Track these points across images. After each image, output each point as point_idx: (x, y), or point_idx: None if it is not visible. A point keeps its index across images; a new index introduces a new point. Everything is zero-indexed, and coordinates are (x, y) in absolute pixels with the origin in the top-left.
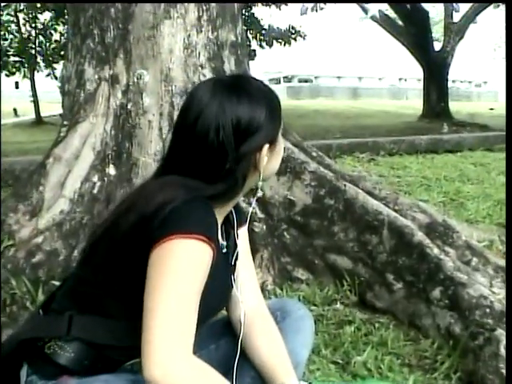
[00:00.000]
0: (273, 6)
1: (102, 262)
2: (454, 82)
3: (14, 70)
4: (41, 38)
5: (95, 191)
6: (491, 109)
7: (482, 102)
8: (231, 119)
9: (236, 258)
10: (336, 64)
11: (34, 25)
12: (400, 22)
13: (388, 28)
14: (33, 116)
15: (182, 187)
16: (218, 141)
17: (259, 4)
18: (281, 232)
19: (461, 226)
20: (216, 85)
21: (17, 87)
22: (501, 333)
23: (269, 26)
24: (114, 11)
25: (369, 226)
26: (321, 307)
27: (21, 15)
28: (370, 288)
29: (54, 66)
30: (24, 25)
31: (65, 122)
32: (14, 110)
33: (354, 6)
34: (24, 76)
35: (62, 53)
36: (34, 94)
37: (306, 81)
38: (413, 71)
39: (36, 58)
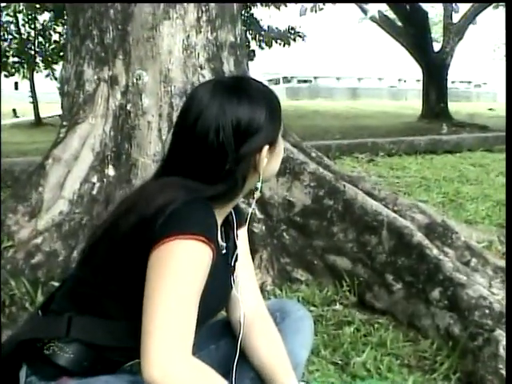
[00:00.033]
0: (272, 7)
1: (102, 263)
2: (453, 82)
3: (13, 70)
4: (40, 38)
5: (94, 192)
6: (490, 109)
7: (482, 103)
8: (231, 120)
9: (235, 259)
10: (335, 65)
11: (33, 26)
12: (399, 23)
13: (387, 29)
14: (32, 117)
15: (181, 188)
16: (217, 142)
17: (258, 5)
18: (280, 233)
19: (460, 226)
20: (216, 86)
21: (16, 88)
22: (500, 333)
23: (268, 26)
24: (113, 12)
25: (368, 227)
26: (320, 308)
27: (20, 16)
28: (370, 289)
29: (54, 66)
30: (23, 25)
31: (64, 123)
32: (14, 110)
33: (354, 6)
34: (23, 77)
35: (62, 54)
36: (34, 95)
37: (305, 81)
38: (412, 72)
39: (35, 58)
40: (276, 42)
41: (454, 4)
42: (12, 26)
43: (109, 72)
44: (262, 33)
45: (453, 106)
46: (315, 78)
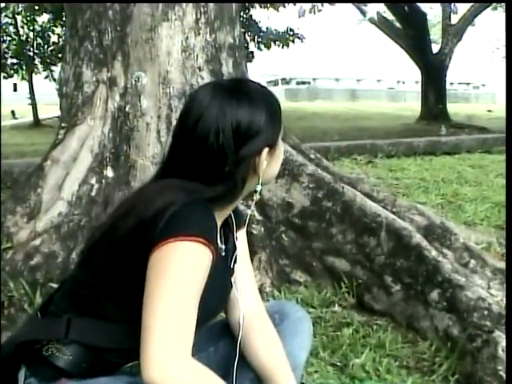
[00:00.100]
0: (270, 9)
1: (101, 265)
2: (452, 84)
3: (11, 72)
4: (39, 40)
5: (93, 193)
6: (489, 111)
7: (480, 104)
8: (231, 122)
9: (235, 261)
10: (334, 66)
11: (32, 27)
12: (398, 25)
13: (386, 30)
14: (31, 118)
15: (181, 190)
16: (217, 144)
17: (257, 6)
18: (279, 234)
19: (459, 228)
20: (216, 88)
21: (15, 89)
22: (499, 335)
23: (267, 28)
24: (111, 13)
25: (367, 228)
26: (319, 309)
27: (19, 17)
28: (368, 290)
29: (52, 68)
30: (22, 27)
31: (63, 125)
32: (12, 112)
33: (352, 8)
34: (22, 78)
35: (60, 55)
36: (32, 97)
37: (303, 83)
38: (411, 73)
39: (34, 60)
40: (275, 44)
41: (452, 5)
42: (11, 28)
43: (107, 73)
44: (261, 34)
45: (451, 108)
46: (314, 79)
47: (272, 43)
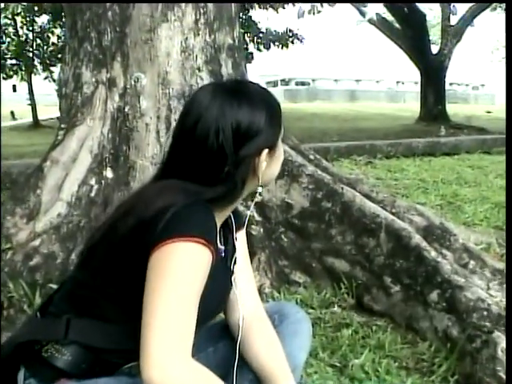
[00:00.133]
0: (270, 9)
1: (100, 266)
2: (451, 84)
3: (11, 73)
4: (38, 40)
5: (92, 194)
6: (488, 111)
7: (480, 105)
8: (231, 123)
9: (234, 262)
10: (333, 67)
11: (31, 28)
12: (397, 25)
13: (385, 31)
14: (30, 119)
15: (181, 191)
16: (217, 144)
17: (256, 7)
18: (278, 235)
19: (458, 228)
20: (216, 89)
21: (14, 90)
22: (498, 335)
23: (266, 29)
24: (111, 14)
25: (366, 229)
26: (318, 310)
27: (18, 18)
28: (368, 291)
29: (52, 69)
30: (21, 28)
31: (62, 125)
32: (12, 112)
33: (352, 9)
34: (21, 79)
35: (60, 56)
36: (32, 97)
37: (303, 84)
38: (410, 74)
39: (33, 61)
40: (274, 45)
41: (451, 6)
42: (10, 29)
43: (107, 74)
44: (260, 35)
45: (451, 109)
46: (313, 80)
47: (271, 44)
